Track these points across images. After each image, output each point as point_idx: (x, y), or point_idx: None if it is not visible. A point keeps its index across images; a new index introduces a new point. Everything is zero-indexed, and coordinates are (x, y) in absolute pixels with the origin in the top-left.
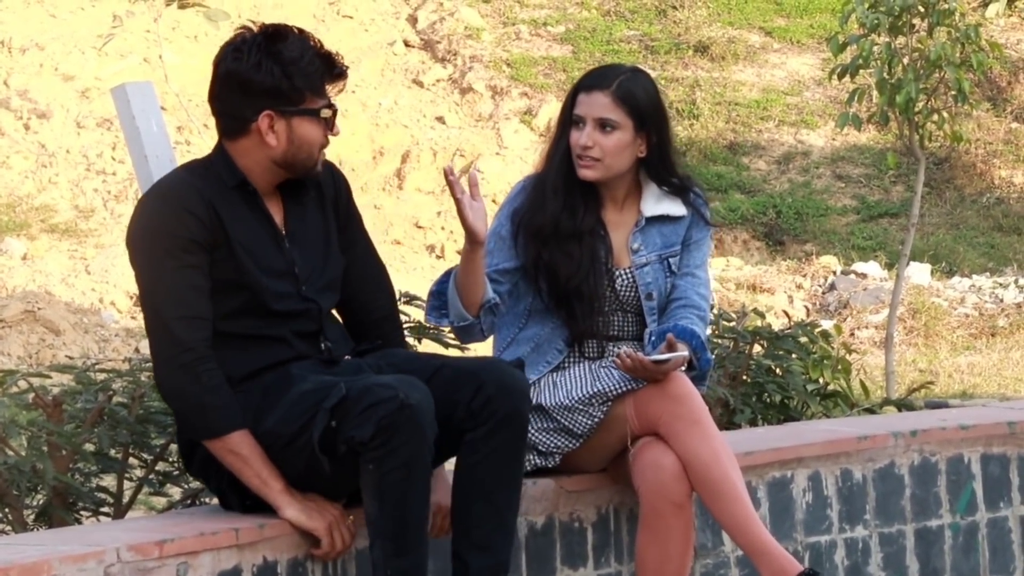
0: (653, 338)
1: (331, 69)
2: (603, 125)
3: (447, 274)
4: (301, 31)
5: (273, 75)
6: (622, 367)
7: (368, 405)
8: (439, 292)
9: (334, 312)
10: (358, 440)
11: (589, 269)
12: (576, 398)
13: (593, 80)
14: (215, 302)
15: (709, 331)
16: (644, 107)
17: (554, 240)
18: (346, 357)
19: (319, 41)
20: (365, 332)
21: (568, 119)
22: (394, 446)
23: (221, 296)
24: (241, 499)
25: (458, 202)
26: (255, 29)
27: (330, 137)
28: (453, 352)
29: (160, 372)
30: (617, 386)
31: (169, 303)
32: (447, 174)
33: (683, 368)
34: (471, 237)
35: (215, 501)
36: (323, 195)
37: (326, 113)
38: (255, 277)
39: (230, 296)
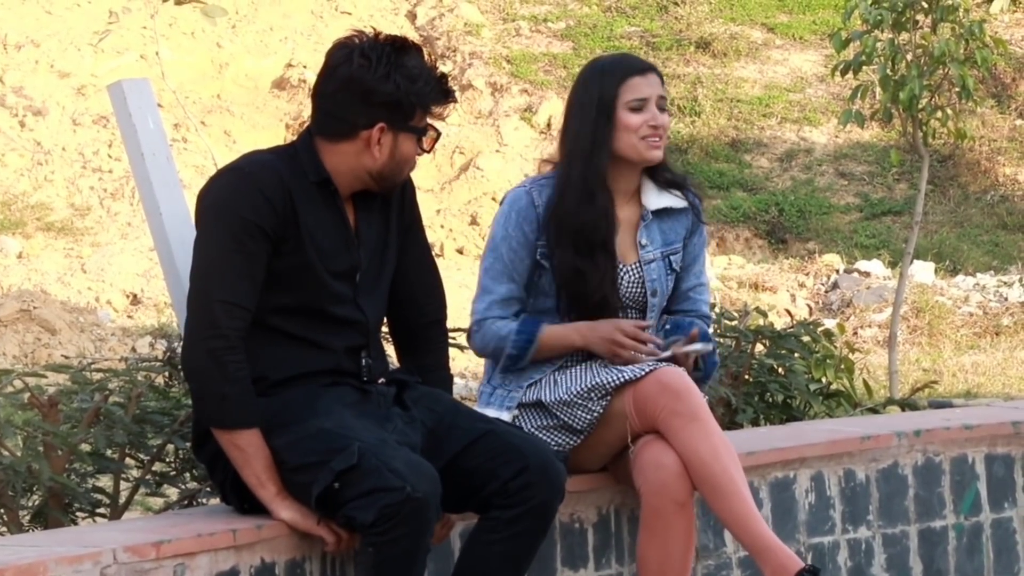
0: (668, 327)
1: (444, 91)
2: (661, 105)
3: (531, 326)
4: (418, 46)
5: (400, 89)
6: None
7: (374, 488)
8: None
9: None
10: (359, 522)
11: (612, 279)
12: (575, 392)
13: (638, 63)
14: (272, 294)
15: (710, 330)
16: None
17: (587, 247)
18: (380, 381)
19: (434, 59)
20: (412, 336)
21: (610, 108)
22: (395, 536)
23: (279, 289)
24: (240, 501)
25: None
26: (374, 36)
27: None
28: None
29: (187, 350)
30: (615, 378)
31: (217, 283)
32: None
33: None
34: (596, 353)
35: (212, 502)
36: (389, 199)
37: (431, 134)
38: (320, 275)
39: (288, 290)
